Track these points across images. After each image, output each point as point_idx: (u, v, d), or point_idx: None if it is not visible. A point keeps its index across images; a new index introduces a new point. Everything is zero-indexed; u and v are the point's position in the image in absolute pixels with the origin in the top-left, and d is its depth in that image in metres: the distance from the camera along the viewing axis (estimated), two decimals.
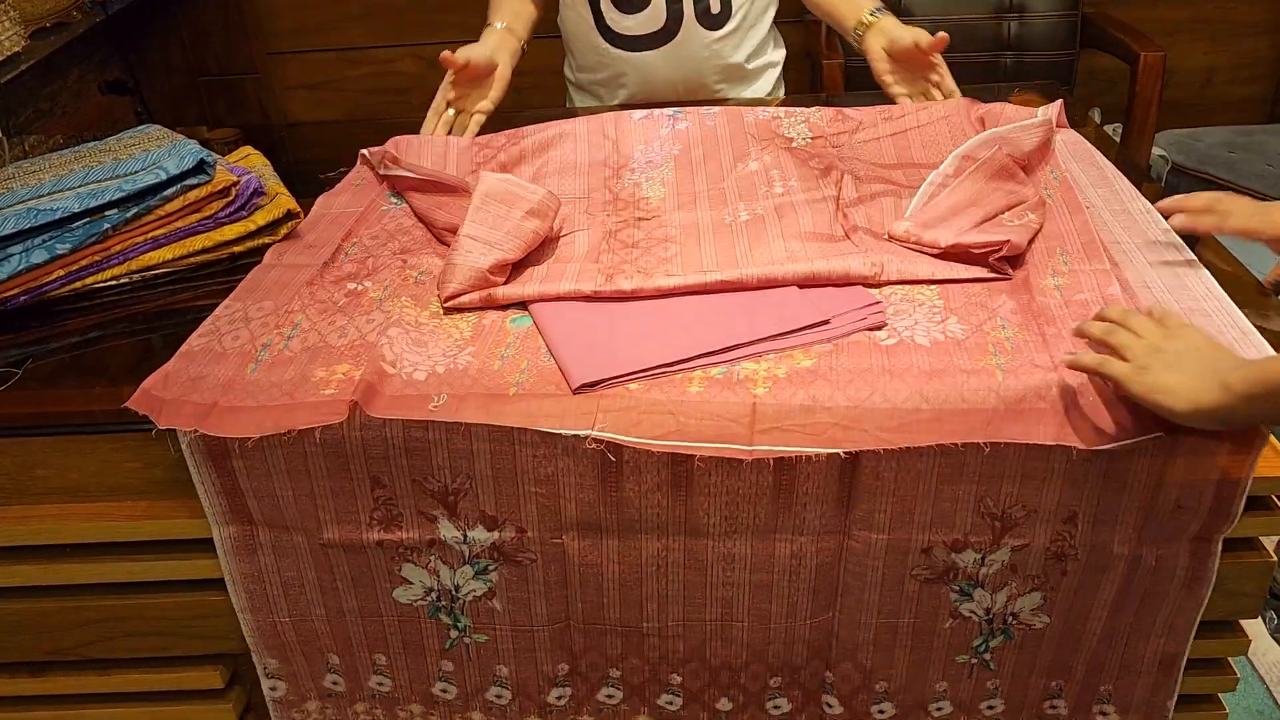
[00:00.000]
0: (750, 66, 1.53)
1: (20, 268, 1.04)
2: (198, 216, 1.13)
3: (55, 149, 1.43)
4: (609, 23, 1.47)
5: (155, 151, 1.14)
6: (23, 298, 1.06)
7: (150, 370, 0.90)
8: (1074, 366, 0.80)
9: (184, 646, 0.97)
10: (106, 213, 1.07)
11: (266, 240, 1.16)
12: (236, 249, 1.14)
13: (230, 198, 1.14)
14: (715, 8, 1.45)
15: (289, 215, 1.18)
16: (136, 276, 1.10)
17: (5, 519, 0.91)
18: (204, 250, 1.13)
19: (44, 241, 1.05)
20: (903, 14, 2.10)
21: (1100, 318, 0.83)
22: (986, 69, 2.13)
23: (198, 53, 2.41)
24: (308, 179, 1.27)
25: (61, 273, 1.07)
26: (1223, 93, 2.49)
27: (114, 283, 1.10)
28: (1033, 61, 2.14)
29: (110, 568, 0.93)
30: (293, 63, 2.48)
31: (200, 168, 1.12)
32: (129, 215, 1.08)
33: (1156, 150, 2.14)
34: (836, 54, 1.99)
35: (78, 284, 1.08)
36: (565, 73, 1.65)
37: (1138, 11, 2.31)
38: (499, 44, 1.41)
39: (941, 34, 1.26)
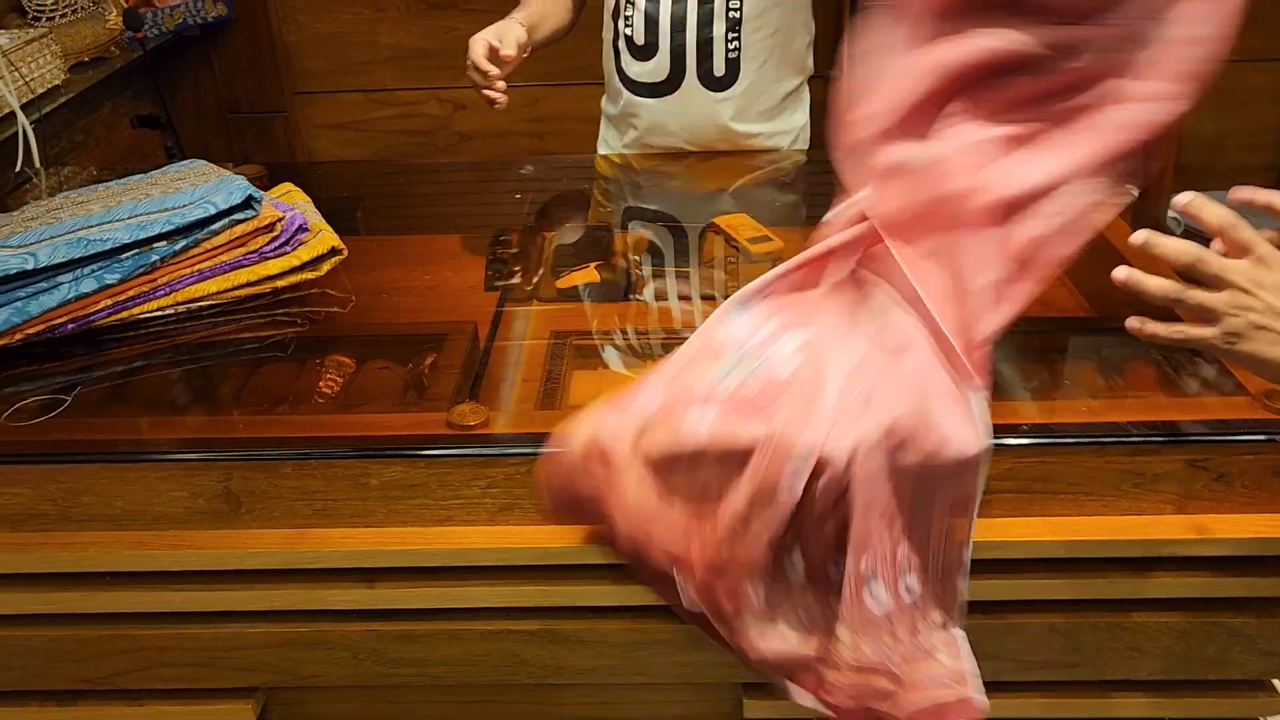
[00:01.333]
0: (755, 131, 1.54)
1: (69, 296, 1.06)
2: (243, 251, 1.14)
3: (89, 180, 1.46)
4: (623, 65, 1.51)
5: (203, 186, 1.16)
6: (70, 326, 1.07)
7: (188, 397, 0.91)
8: (1147, 337, 0.71)
9: (219, 678, 0.97)
10: (155, 245, 1.09)
11: (309, 275, 1.17)
12: (279, 283, 1.16)
13: (275, 233, 1.16)
14: (719, 70, 1.47)
15: (332, 251, 1.19)
16: (181, 308, 1.12)
17: (48, 545, 0.92)
18: (248, 284, 1.14)
19: (93, 271, 1.07)
20: None
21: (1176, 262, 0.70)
22: None
23: (229, 90, 2.44)
24: (338, 217, 1.29)
25: (109, 302, 1.08)
26: (1235, 160, 2.53)
27: (159, 313, 1.11)
28: None
29: (151, 597, 0.93)
30: (321, 103, 2.51)
31: (247, 203, 1.14)
32: (176, 248, 1.10)
33: (1170, 214, 2.16)
34: None
35: (124, 314, 1.09)
36: (603, 105, 1.68)
37: None
38: (506, 28, 1.42)
39: None
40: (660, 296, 1.19)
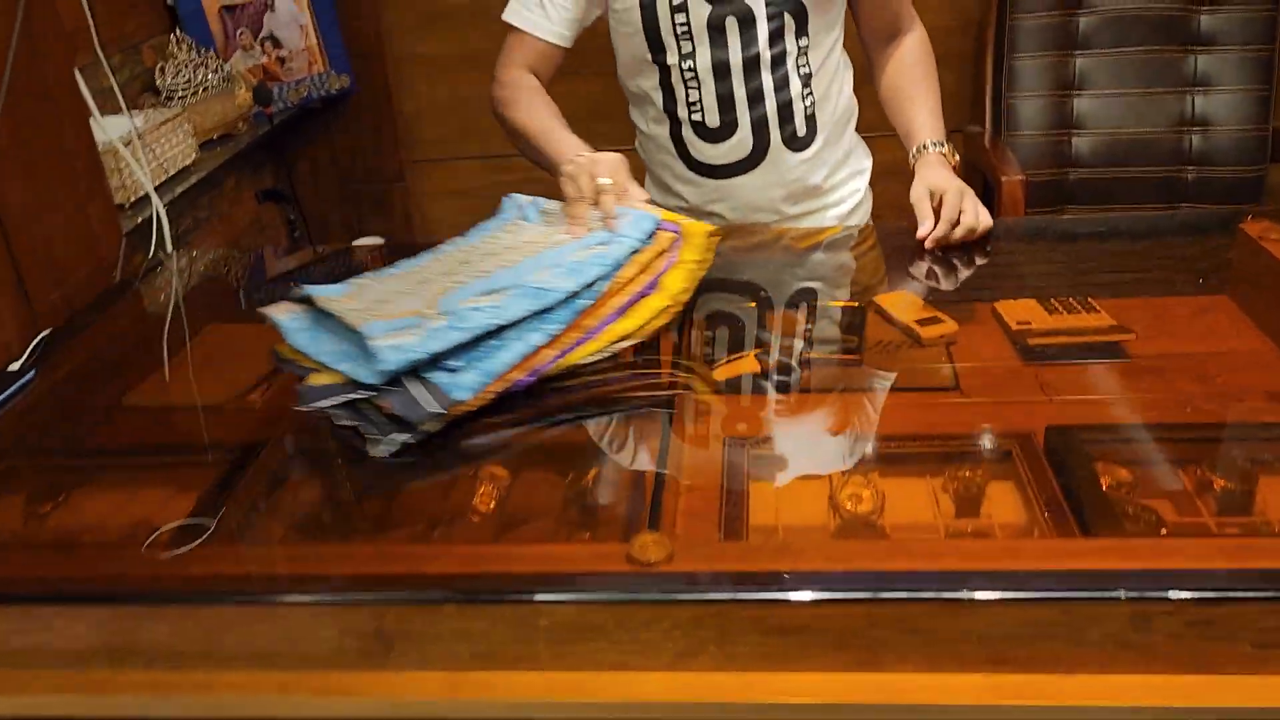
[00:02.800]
0: (829, 184, 1.48)
1: (524, 351, 0.99)
2: (647, 277, 1.09)
3: (217, 256, 1.42)
4: (694, 152, 1.43)
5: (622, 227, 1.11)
6: (524, 379, 1.01)
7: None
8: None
9: None
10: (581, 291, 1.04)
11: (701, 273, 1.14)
12: (684, 299, 1.12)
13: (667, 249, 1.12)
14: (801, 130, 1.41)
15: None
16: (608, 350, 1.06)
17: (185, 685, 0.83)
18: (660, 312, 1.09)
19: (540, 323, 1.01)
20: (1076, 126, 2.00)
21: None
22: (1165, 186, 2.00)
23: (347, 161, 2.42)
24: None
25: (552, 352, 1.02)
26: None
27: (592, 360, 1.05)
28: (1217, 178, 2.01)
29: None
30: (439, 170, 2.48)
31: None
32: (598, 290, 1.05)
33: None
34: (1012, 168, 1.88)
35: (565, 361, 1.03)
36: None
37: None
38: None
39: (935, 233, 1.28)
40: (827, 387, 1.07)
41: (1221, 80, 1.95)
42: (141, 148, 1.52)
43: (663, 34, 1.36)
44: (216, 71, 1.86)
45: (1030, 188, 1.89)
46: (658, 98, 1.42)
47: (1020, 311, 1.17)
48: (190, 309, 1.38)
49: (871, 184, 1.55)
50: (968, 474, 0.92)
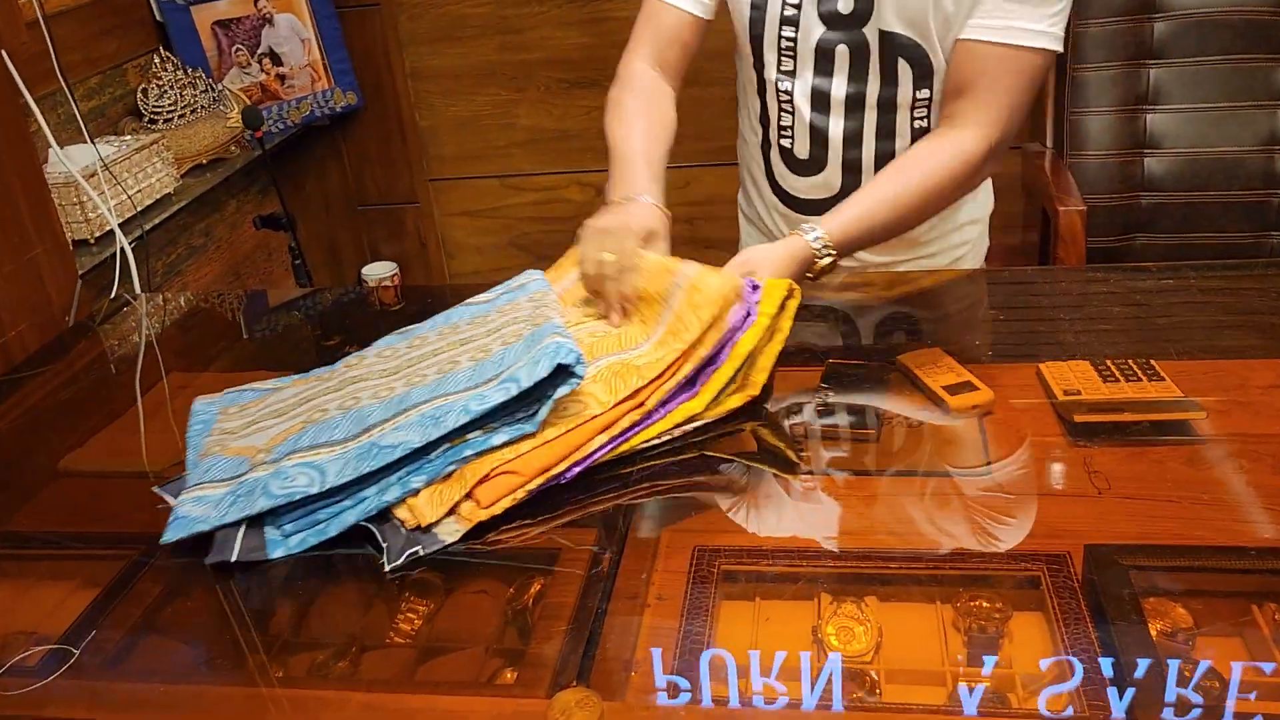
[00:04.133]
0: (925, 236, 1.28)
1: (372, 509, 0.84)
2: (715, 335, 0.94)
3: (213, 289, 1.30)
4: (778, 176, 1.25)
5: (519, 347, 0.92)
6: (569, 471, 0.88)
7: None
8: None
9: None
10: (467, 438, 0.87)
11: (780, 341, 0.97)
12: (760, 379, 0.96)
13: (736, 300, 0.96)
14: None
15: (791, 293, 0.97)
16: (674, 432, 0.92)
17: None
18: (734, 390, 0.95)
19: (399, 478, 0.85)
20: (1149, 145, 1.79)
21: None
22: (1251, 212, 1.78)
23: (358, 182, 2.31)
24: None
25: (603, 438, 0.89)
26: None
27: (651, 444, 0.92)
28: None
29: None
30: (454, 190, 2.35)
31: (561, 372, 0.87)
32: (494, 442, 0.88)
33: None
34: (1071, 197, 1.68)
35: (620, 447, 0.90)
36: (739, 202, 1.43)
37: None
38: (654, 219, 1.10)
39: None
40: (826, 471, 0.91)
41: None
42: (109, 178, 1.40)
43: (765, 46, 1.19)
44: (206, 91, 1.75)
45: (1096, 213, 1.68)
46: (755, 105, 1.24)
47: (1069, 376, 0.99)
48: (153, 355, 1.26)
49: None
50: (985, 605, 0.75)
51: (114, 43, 1.72)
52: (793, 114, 1.20)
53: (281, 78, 1.97)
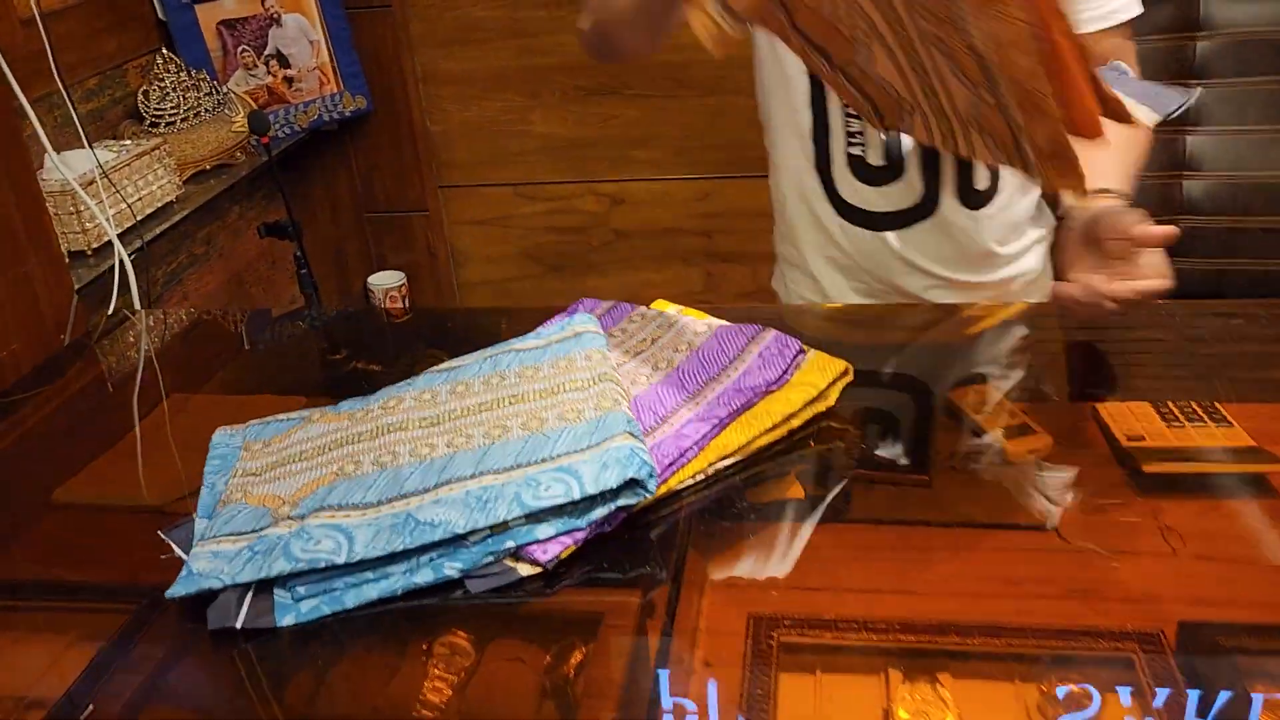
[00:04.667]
0: (1003, 251, 1.21)
1: (397, 588, 0.76)
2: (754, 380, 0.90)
3: (215, 299, 1.23)
4: (845, 195, 1.18)
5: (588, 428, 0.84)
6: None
7: None
8: None
9: None
10: (510, 527, 0.78)
11: (820, 407, 0.91)
12: (795, 423, 0.90)
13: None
14: (981, 183, 1.15)
15: (844, 374, 0.93)
16: (708, 470, 0.86)
17: None
18: (767, 430, 0.88)
19: (430, 560, 0.78)
20: (1188, 167, 1.73)
21: None
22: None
23: (366, 189, 2.24)
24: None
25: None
26: None
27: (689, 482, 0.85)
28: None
29: None
30: (465, 197, 2.28)
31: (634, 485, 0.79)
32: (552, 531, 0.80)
33: None
34: None
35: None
36: (776, 246, 1.35)
37: None
38: None
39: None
40: (886, 517, 0.84)
41: None
42: (107, 186, 1.33)
43: None
44: (210, 94, 1.67)
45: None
46: (804, 120, 1.16)
47: (1130, 420, 0.92)
48: (154, 374, 1.19)
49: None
50: (1075, 691, 0.68)
51: (114, 42, 1.64)
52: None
53: (289, 80, 1.90)
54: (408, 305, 2.21)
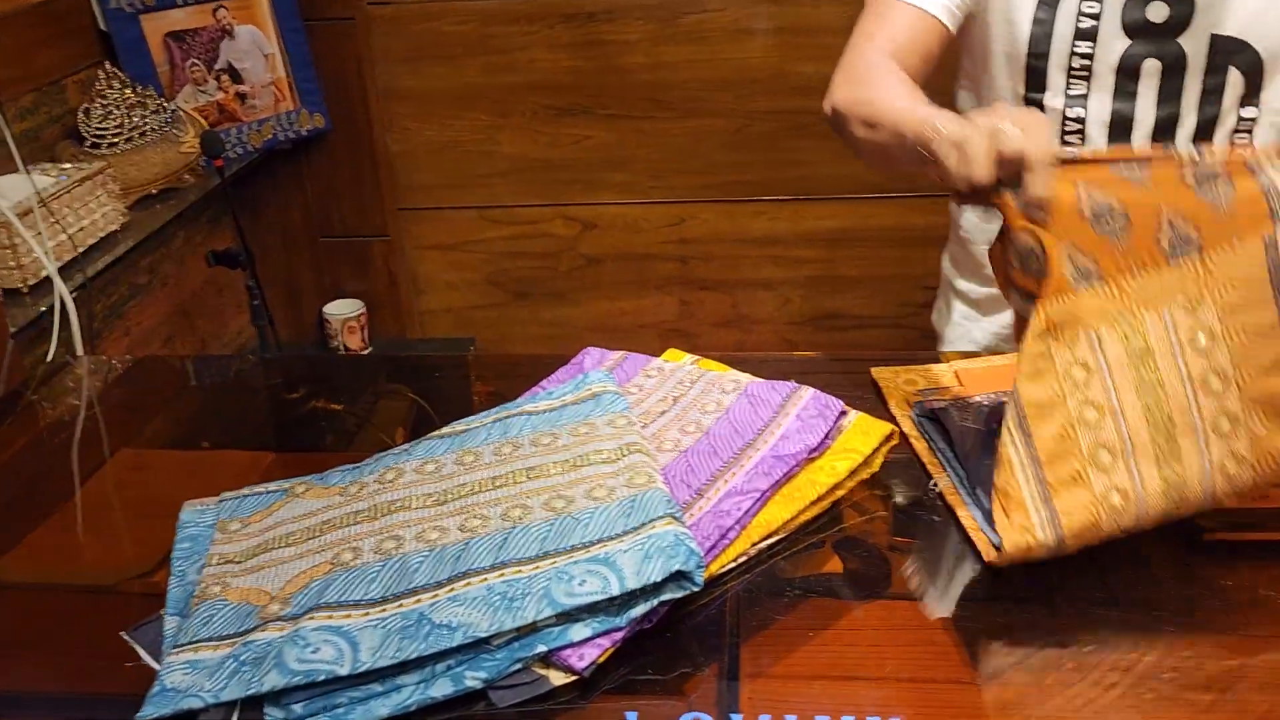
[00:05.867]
0: None
1: (409, 703, 0.65)
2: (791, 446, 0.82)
3: (159, 332, 1.09)
4: None
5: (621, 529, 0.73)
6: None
7: None
8: None
9: None
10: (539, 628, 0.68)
11: (864, 475, 0.84)
12: (840, 493, 0.83)
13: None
14: None
15: (889, 438, 0.85)
16: (750, 551, 0.77)
17: None
18: (813, 503, 0.80)
19: (448, 670, 0.66)
20: None
21: None
22: None
23: (321, 213, 2.11)
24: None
25: None
26: None
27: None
28: None
29: None
30: (426, 221, 2.17)
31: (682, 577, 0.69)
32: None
33: None
34: None
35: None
36: (951, 278, 1.26)
37: None
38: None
39: None
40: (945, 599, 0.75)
41: None
42: (46, 216, 1.20)
43: (1050, 66, 1.03)
44: (157, 112, 1.54)
45: None
46: None
47: None
48: (98, 429, 1.06)
49: None
50: None
51: (51, 55, 1.50)
52: (1083, 144, 1.05)
53: (242, 97, 1.77)
54: (366, 336, 2.08)
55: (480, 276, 2.20)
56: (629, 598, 0.69)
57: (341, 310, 2.04)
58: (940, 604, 0.75)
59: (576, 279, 2.18)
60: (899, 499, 0.85)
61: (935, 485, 0.84)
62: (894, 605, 0.75)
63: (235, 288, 1.90)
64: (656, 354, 0.99)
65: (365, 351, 2.08)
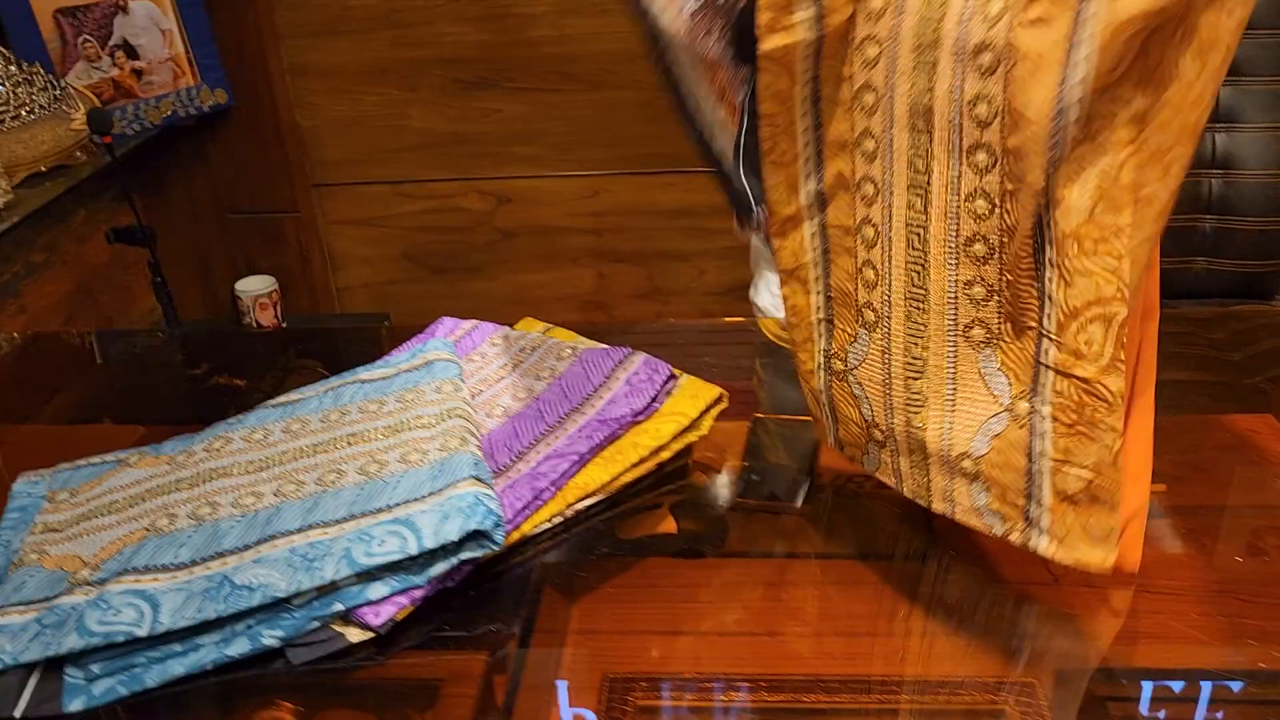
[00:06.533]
0: None
1: (208, 661, 0.67)
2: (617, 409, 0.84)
3: (59, 311, 1.09)
4: None
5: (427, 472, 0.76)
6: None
7: None
8: None
9: None
10: (340, 587, 0.69)
11: (692, 438, 0.85)
12: (664, 455, 0.83)
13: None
14: None
15: (717, 400, 0.87)
16: (567, 512, 0.78)
17: None
18: (635, 464, 0.82)
19: (247, 628, 0.68)
20: (1217, 166, 1.72)
21: None
22: (1178, 236, 1.73)
23: (228, 188, 2.10)
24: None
25: None
26: None
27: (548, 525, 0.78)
28: (1239, 229, 1.73)
29: None
30: (339, 196, 2.16)
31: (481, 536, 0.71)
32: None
33: None
34: None
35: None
36: None
37: None
38: None
39: None
40: (759, 552, 0.78)
41: None
42: None
43: None
44: (46, 89, 1.53)
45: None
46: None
47: None
48: None
49: None
50: None
51: None
52: None
53: (138, 73, 1.76)
54: (280, 313, 2.08)
55: (396, 252, 2.20)
56: (429, 557, 0.71)
57: (253, 287, 2.04)
58: (764, 560, 0.78)
59: (492, 253, 2.19)
60: (749, 462, 0.88)
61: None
62: (721, 563, 0.78)
63: (141, 264, 1.90)
64: (577, 329, 1.00)
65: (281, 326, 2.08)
